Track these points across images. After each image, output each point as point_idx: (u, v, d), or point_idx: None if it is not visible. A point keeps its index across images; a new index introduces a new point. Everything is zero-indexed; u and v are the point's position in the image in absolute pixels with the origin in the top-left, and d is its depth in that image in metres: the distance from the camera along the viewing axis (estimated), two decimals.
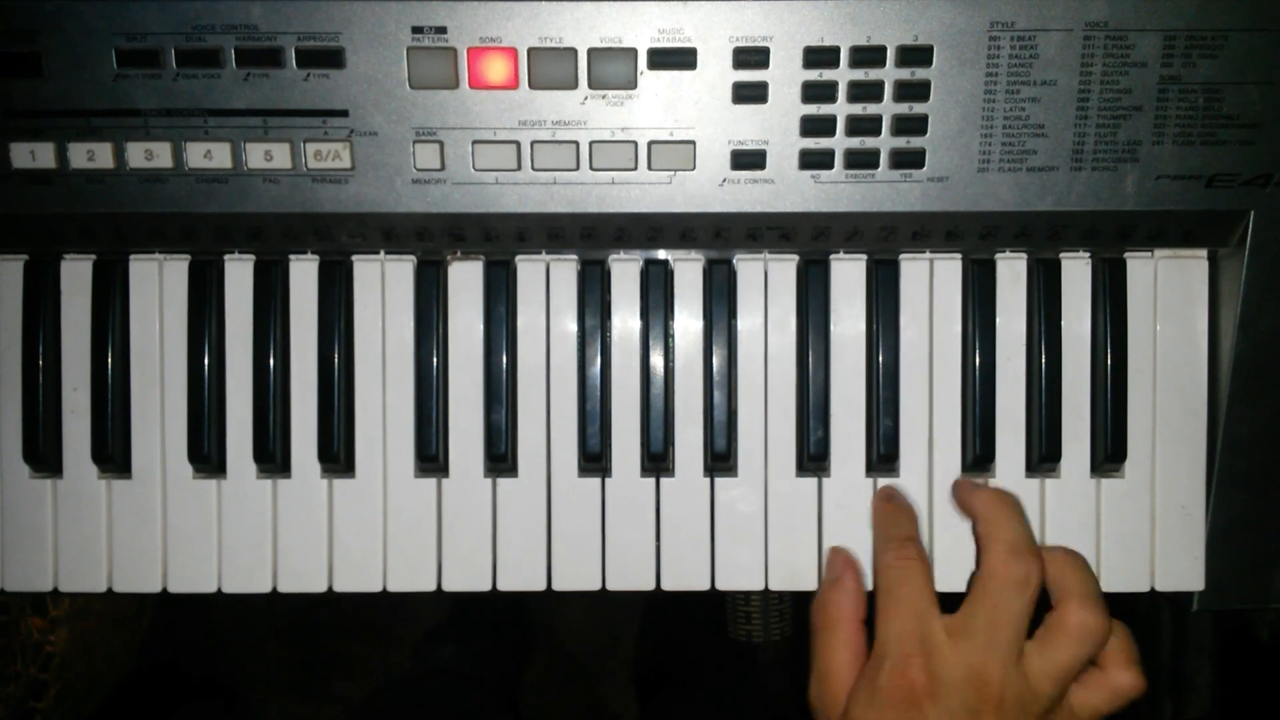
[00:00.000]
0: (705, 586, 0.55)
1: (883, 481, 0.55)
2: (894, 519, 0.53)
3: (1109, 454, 0.55)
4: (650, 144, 0.51)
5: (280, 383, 0.55)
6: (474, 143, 0.51)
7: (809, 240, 0.54)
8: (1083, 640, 0.47)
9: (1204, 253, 0.55)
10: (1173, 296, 0.55)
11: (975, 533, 0.52)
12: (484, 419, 0.55)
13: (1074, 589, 0.48)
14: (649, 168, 0.51)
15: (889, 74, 0.50)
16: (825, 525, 0.55)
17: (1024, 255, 0.55)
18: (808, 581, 0.55)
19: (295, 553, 0.55)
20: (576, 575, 0.55)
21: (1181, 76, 0.50)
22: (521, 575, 0.55)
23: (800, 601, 0.69)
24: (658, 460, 0.55)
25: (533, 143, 0.51)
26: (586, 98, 0.51)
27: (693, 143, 0.51)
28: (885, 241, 0.54)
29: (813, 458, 0.55)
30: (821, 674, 0.51)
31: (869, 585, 0.53)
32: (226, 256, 0.55)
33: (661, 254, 0.55)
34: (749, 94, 0.51)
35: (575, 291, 0.55)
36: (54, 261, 0.55)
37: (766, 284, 0.55)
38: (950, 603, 0.50)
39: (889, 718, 0.47)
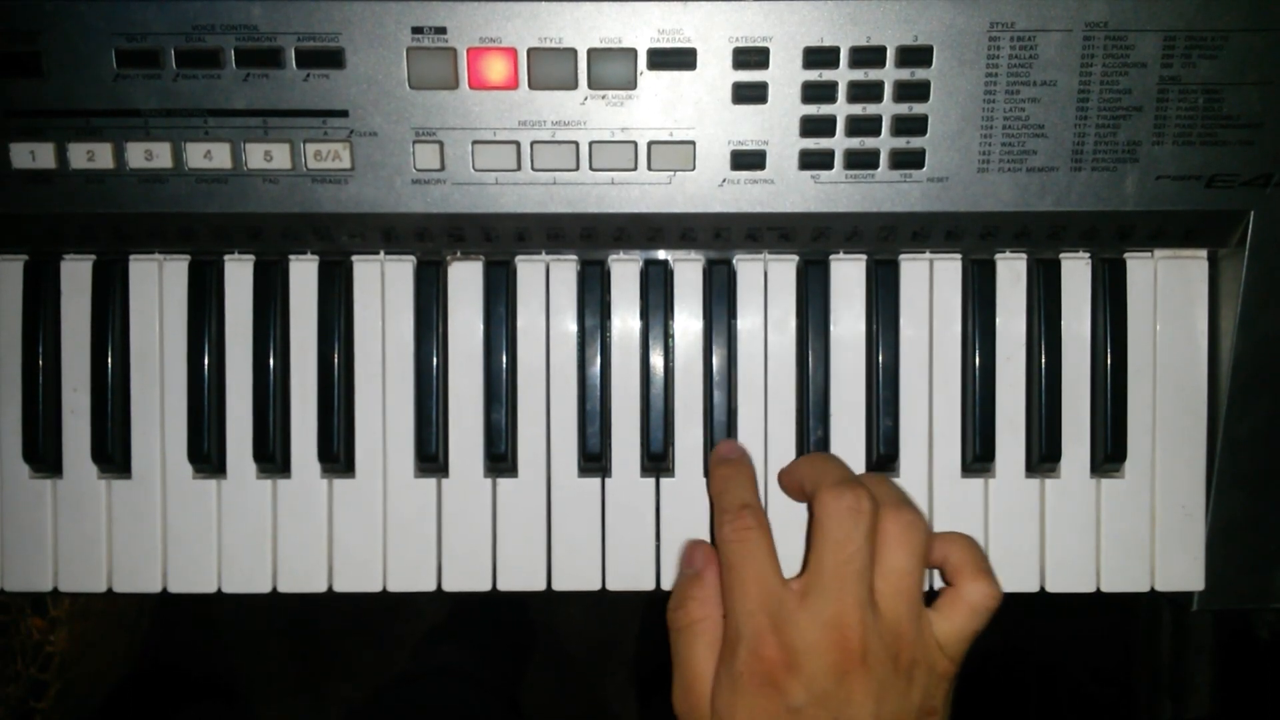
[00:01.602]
0: None
1: None
2: (728, 485, 0.50)
3: (1109, 454, 0.55)
4: (650, 144, 0.51)
5: (280, 383, 0.55)
6: (474, 143, 0.51)
7: (809, 240, 0.54)
8: (903, 541, 0.45)
9: (1204, 253, 0.55)
10: (1173, 296, 0.55)
11: (806, 495, 0.50)
12: (484, 419, 0.55)
13: (885, 499, 0.46)
14: (649, 168, 0.51)
15: (889, 74, 0.50)
16: None
17: (1024, 255, 0.55)
18: None
19: (295, 553, 0.55)
20: (576, 575, 0.55)
21: (1181, 77, 0.50)
22: (521, 575, 0.55)
23: None
24: (658, 460, 0.55)
25: (532, 143, 0.51)
26: (586, 98, 0.51)
27: (692, 143, 0.51)
28: (885, 242, 0.54)
29: None
30: (685, 679, 0.47)
31: None
32: (226, 256, 0.55)
33: (661, 254, 0.56)
34: (749, 94, 0.51)
35: (575, 292, 0.55)
36: (54, 261, 0.55)
37: (766, 284, 0.55)
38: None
39: (752, 704, 0.44)
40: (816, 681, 0.44)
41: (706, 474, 0.55)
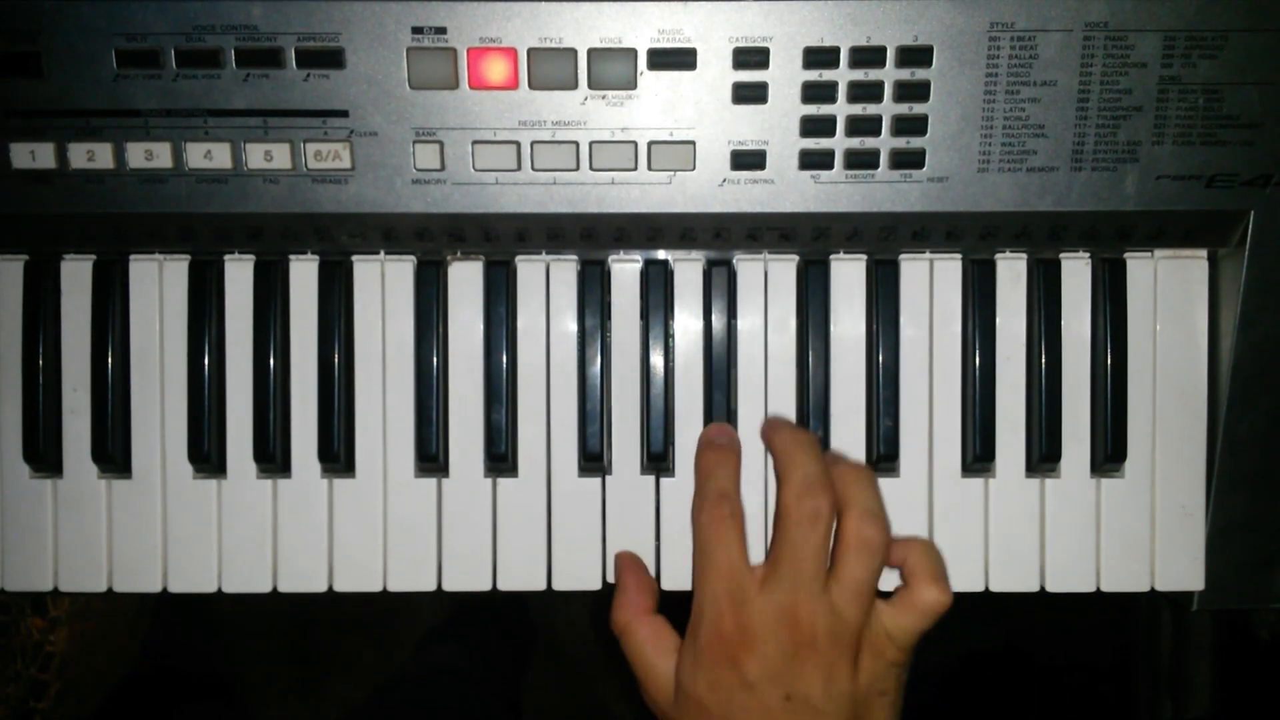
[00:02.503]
0: None
1: (883, 481, 0.55)
2: (713, 471, 0.52)
3: (1109, 454, 0.55)
4: (650, 144, 0.51)
5: (280, 383, 0.55)
6: (474, 143, 0.51)
7: (809, 240, 0.54)
8: (861, 551, 0.48)
9: (1204, 253, 0.55)
10: (1173, 297, 0.55)
11: (775, 470, 0.52)
12: (484, 419, 0.55)
13: (854, 504, 0.49)
14: (649, 168, 0.51)
15: (889, 74, 0.50)
16: None
17: (1024, 255, 0.55)
18: None
19: (295, 553, 0.55)
20: (577, 575, 0.55)
21: (1181, 77, 0.50)
22: (521, 575, 0.55)
23: None
24: (658, 460, 0.55)
25: (533, 143, 0.51)
26: (586, 98, 0.51)
27: (693, 143, 0.51)
28: (885, 242, 0.54)
29: None
30: (641, 676, 0.52)
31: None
32: (226, 257, 0.55)
33: (661, 254, 0.56)
34: (749, 94, 0.51)
35: (575, 292, 0.55)
36: (54, 261, 0.55)
37: (766, 284, 0.55)
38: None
39: (712, 676, 0.48)
40: (770, 661, 0.47)
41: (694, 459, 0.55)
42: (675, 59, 0.50)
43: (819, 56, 0.50)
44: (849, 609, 0.48)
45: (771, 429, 0.53)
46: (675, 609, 0.53)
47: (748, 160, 0.51)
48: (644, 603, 0.52)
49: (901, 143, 0.51)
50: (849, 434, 0.55)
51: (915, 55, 0.50)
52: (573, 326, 0.55)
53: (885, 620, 0.49)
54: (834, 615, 0.47)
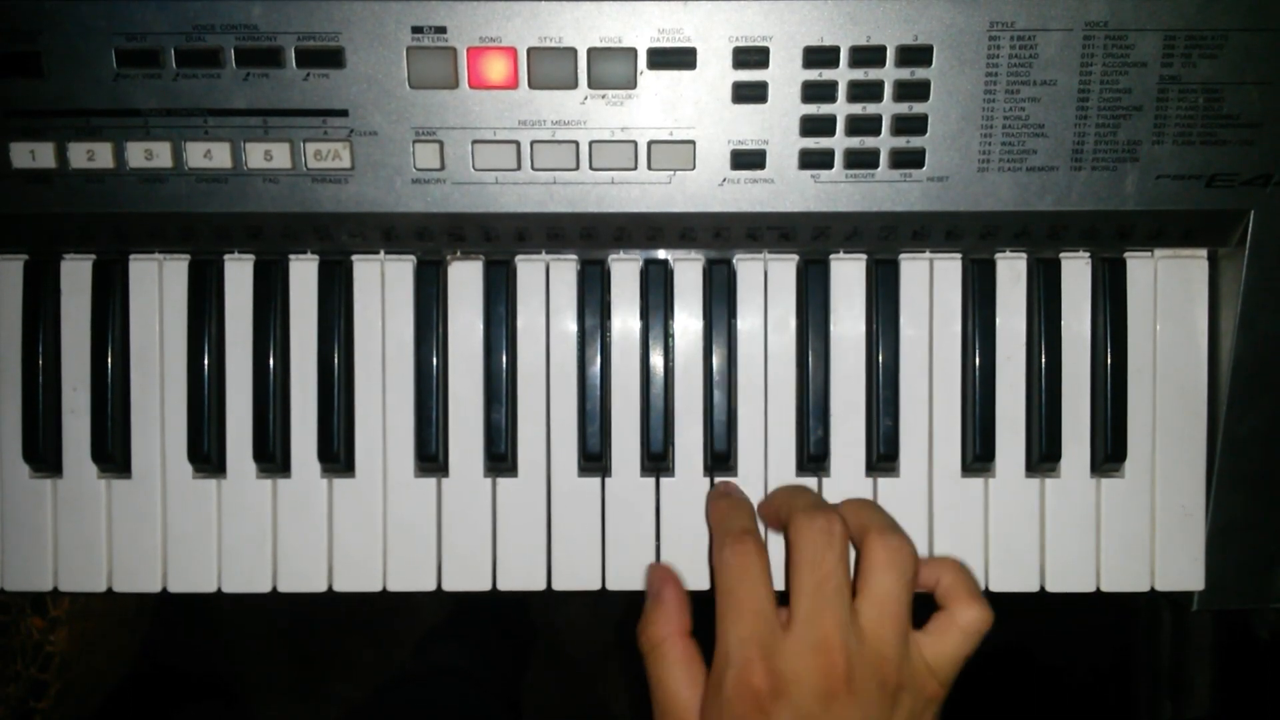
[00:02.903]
0: (706, 587, 0.55)
1: (883, 481, 0.55)
2: (730, 513, 0.51)
3: (1109, 454, 0.55)
4: (650, 144, 0.51)
5: (280, 383, 0.55)
6: (474, 142, 0.51)
7: (809, 240, 0.54)
8: (890, 563, 0.46)
9: (1204, 252, 0.55)
10: (1173, 296, 0.55)
11: (782, 522, 0.50)
12: (484, 419, 0.55)
13: (871, 525, 0.47)
14: (649, 167, 0.51)
15: (889, 74, 0.50)
16: None
17: (1024, 255, 0.55)
18: None
19: (295, 552, 0.55)
20: (576, 575, 0.55)
21: (1181, 76, 0.50)
22: (521, 575, 0.55)
23: None
24: (658, 460, 0.55)
25: (532, 142, 0.51)
26: (586, 97, 0.51)
27: (692, 142, 0.51)
28: (885, 241, 0.54)
29: (812, 458, 0.55)
30: (663, 705, 0.48)
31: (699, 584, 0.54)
32: (226, 256, 0.55)
33: (661, 254, 0.56)
34: (749, 94, 0.51)
35: (575, 291, 0.55)
36: (54, 261, 0.55)
37: (766, 284, 0.55)
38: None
39: None
40: (802, 708, 0.44)
41: (705, 511, 0.55)
42: (675, 58, 0.50)
43: (819, 56, 0.50)
44: (883, 632, 0.45)
45: (766, 498, 0.54)
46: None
47: (748, 160, 0.51)
48: (683, 621, 0.49)
49: (901, 142, 0.51)
50: (849, 434, 0.55)
51: (915, 55, 0.50)
52: (572, 326, 0.55)
53: (925, 650, 0.46)
54: (868, 645, 0.45)
